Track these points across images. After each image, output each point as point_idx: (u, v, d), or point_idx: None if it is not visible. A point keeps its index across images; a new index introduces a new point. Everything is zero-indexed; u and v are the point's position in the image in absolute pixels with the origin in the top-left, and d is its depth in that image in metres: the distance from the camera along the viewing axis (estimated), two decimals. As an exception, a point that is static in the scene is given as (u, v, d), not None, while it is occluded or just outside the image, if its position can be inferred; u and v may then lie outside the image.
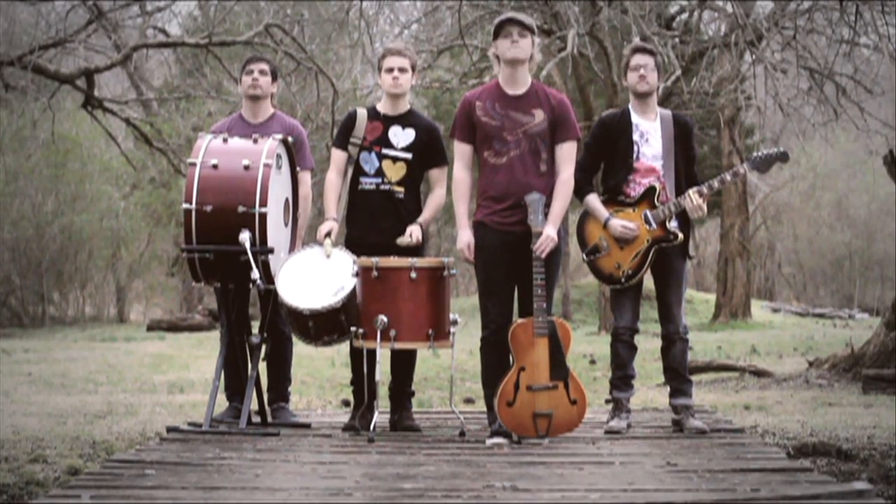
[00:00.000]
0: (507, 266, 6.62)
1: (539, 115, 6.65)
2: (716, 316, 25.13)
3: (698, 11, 19.35)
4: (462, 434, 6.88)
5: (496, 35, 6.63)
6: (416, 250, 7.01)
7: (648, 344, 10.98)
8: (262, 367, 7.24)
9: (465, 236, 6.70)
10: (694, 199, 6.93)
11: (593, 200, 7.06)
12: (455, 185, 6.75)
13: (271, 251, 6.86)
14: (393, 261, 6.79)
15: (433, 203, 7.16)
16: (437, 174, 7.19)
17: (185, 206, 6.84)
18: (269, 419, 7.34)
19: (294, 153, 7.24)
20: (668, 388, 7.20)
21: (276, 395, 7.48)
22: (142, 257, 30.17)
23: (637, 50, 7.05)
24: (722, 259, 25.49)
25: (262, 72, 7.48)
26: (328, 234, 6.95)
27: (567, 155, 6.69)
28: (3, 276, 27.38)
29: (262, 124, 7.46)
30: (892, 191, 26.47)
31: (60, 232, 27.56)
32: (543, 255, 6.48)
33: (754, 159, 7.18)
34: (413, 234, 6.97)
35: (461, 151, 6.76)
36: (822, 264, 37.71)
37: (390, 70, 7.08)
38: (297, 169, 7.32)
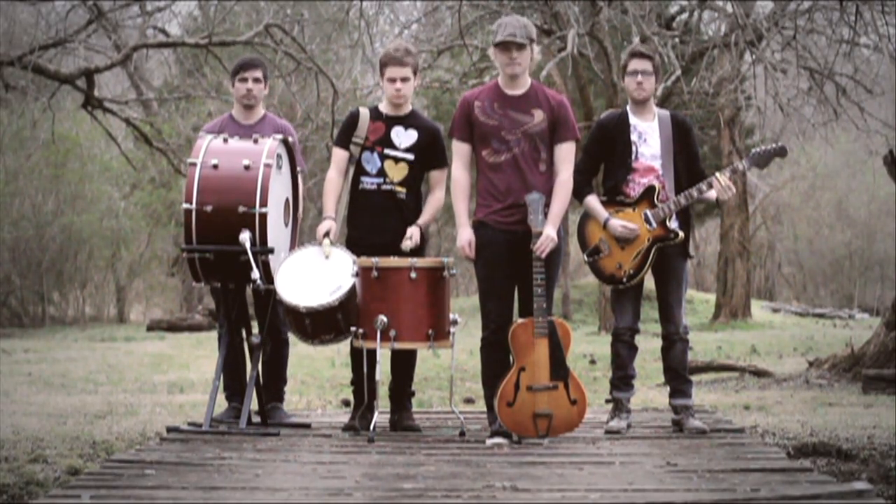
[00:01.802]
0: (508, 266, 6.63)
1: (539, 115, 6.66)
2: (716, 316, 25.11)
3: (698, 11, 19.35)
4: (462, 434, 6.89)
5: (495, 45, 6.65)
6: (416, 250, 7.01)
7: (648, 344, 10.97)
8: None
9: (465, 234, 6.70)
10: (722, 180, 6.94)
11: (593, 201, 7.06)
12: (454, 184, 6.76)
13: (271, 251, 6.85)
14: (393, 261, 6.79)
15: (432, 204, 7.16)
16: (437, 175, 7.19)
17: (185, 205, 6.83)
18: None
19: (294, 153, 7.24)
20: (668, 388, 7.20)
21: (271, 396, 7.46)
22: (142, 257, 30.16)
23: (634, 55, 7.04)
24: (722, 259, 25.46)
25: (255, 80, 7.48)
26: (327, 234, 6.95)
27: (566, 155, 6.70)
28: (3, 276, 27.36)
29: (253, 126, 7.46)
30: (892, 191, 26.46)
31: (60, 232, 27.54)
32: (543, 256, 6.49)
33: (753, 155, 7.20)
34: (413, 236, 6.97)
35: (460, 150, 6.77)
36: (822, 264, 37.69)
37: (392, 80, 7.08)
38: (298, 169, 7.32)
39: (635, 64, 7.00)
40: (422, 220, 7.09)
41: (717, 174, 6.98)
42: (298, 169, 7.47)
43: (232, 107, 7.68)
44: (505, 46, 6.61)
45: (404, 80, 7.07)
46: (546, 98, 6.72)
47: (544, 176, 6.66)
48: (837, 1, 14.90)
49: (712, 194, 6.98)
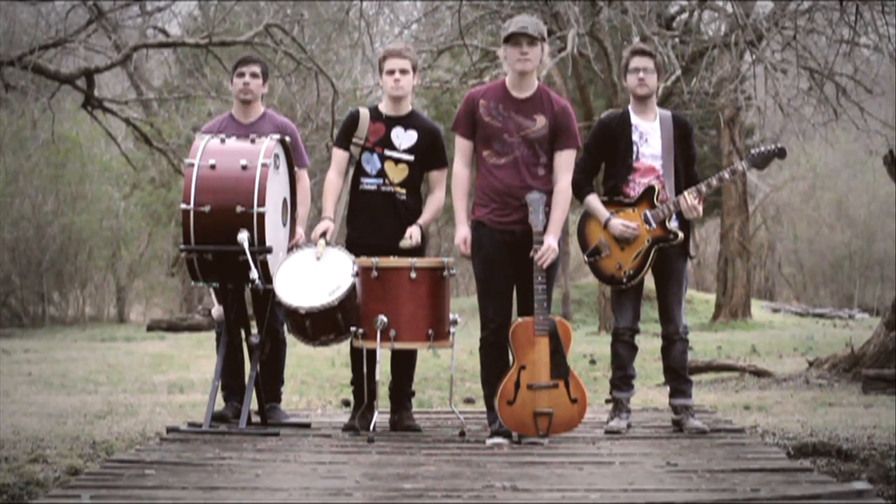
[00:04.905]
0: (507, 265, 6.63)
1: (541, 121, 6.65)
2: (716, 316, 25.12)
3: (698, 11, 19.35)
4: (462, 434, 6.88)
5: (505, 40, 6.63)
6: (416, 250, 7.00)
7: (648, 344, 10.97)
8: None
9: (462, 231, 6.71)
10: (689, 199, 6.93)
11: (593, 201, 7.06)
12: (454, 181, 6.76)
13: (270, 251, 6.85)
14: (393, 261, 6.78)
15: (432, 205, 7.15)
16: (436, 176, 7.19)
17: (183, 206, 6.82)
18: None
19: (292, 153, 7.23)
20: (668, 388, 7.20)
21: (269, 396, 7.44)
22: (142, 257, 30.16)
23: (636, 52, 7.06)
24: (722, 259, 25.47)
25: (253, 75, 7.46)
26: (323, 235, 6.93)
27: (565, 163, 6.70)
28: (3, 276, 27.36)
29: (253, 124, 7.45)
30: (892, 191, 26.45)
31: (60, 232, 27.55)
32: (545, 266, 6.47)
33: (752, 156, 7.20)
34: (413, 235, 6.96)
35: (461, 147, 6.76)
36: (822, 264, 37.69)
37: (391, 72, 7.07)
38: (295, 168, 7.31)
39: (637, 61, 7.01)
40: (422, 219, 7.09)
41: (686, 193, 6.96)
42: (303, 164, 7.45)
43: (232, 106, 7.66)
44: (516, 40, 6.58)
45: (403, 71, 7.06)
46: (550, 103, 6.69)
47: (542, 178, 6.66)
48: (837, 1, 14.88)
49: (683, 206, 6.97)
